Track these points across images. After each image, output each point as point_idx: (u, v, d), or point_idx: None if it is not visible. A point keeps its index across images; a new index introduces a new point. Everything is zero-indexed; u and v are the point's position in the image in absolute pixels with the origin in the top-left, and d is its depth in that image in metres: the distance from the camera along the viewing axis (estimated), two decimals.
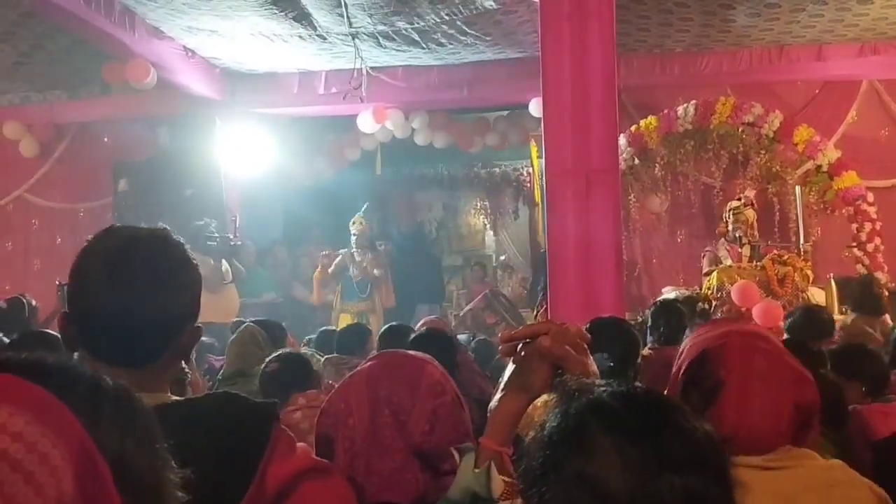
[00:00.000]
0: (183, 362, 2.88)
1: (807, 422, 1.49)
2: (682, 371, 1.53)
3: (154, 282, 1.26)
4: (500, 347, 1.33)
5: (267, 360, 2.96)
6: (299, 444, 1.29)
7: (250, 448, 1.20)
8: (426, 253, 10.69)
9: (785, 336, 4.10)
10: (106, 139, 9.35)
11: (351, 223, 8.83)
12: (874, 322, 5.14)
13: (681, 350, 1.61)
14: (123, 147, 9.15)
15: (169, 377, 1.35)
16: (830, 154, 7.84)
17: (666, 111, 8.03)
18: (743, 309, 6.78)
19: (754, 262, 7.30)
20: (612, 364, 1.73)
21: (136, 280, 1.25)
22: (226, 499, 1.15)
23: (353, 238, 8.73)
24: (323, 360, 4.44)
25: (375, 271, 8.66)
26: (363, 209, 9.01)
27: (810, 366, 2.67)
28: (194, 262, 1.35)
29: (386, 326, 4.26)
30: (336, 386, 1.59)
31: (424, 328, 4.39)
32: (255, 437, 1.21)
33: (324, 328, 5.71)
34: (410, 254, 10.09)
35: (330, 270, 8.68)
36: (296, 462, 1.25)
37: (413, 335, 3.49)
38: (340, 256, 8.72)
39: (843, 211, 7.91)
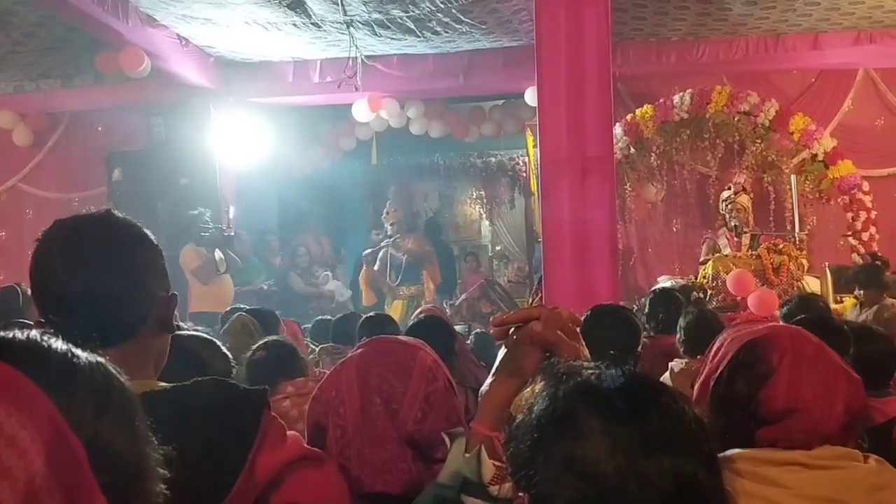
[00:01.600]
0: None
1: (852, 423, 1.45)
2: (722, 365, 1.47)
3: (103, 259, 1.28)
4: (492, 331, 1.33)
5: (253, 347, 2.94)
6: (290, 433, 1.29)
7: (240, 436, 1.19)
8: (441, 243, 10.65)
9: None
10: (100, 128, 9.31)
11: (384, 215, 8.89)
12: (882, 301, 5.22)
13: (712, 351, 1.55)
14: (117, 136, 9.11)
15: (155, 354, 1.35)
16: (826, 143, 7.84)
17: (662, 100, 8.01)
18: (738, 298, 6.79)
19: (751, 251, 7.31)
20: (612, 352, 1.72)
21: (85, 259, 1.28)
22: (215, 487, 1.14)
23: (390, 228, 8.77)
24: (318, 349, 4.45)
25: (426, 247, 8.71)
26: (391, 194, 9.03)
27: (836, 347, 2.68)
28: (147, 236, 1.37)
29: (365, 317, 4.24)
30: (327, 373, 1.58)
31: (423, 315, 4.38)
32: (246, 425, 1.20)
33: (319, 317, 5.70)
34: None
35: (376, 267, 8.71)
36: (287, 451, 1.24)
37: (411, 323, 3.46)
38: (383, 250, 8.74)
39: (839, 200, 7.92)
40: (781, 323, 1.61)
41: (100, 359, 0.72)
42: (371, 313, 4.61)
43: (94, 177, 9.03)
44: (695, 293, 6.83)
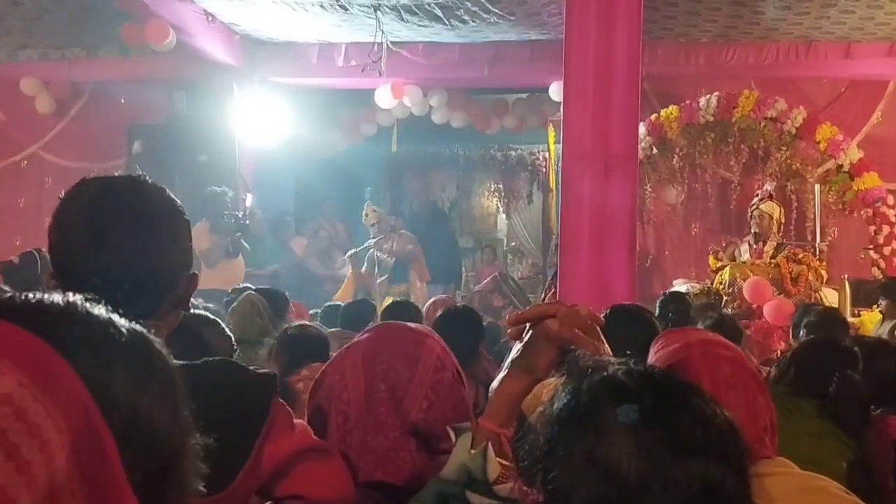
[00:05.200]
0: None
1: (773, 431, 1.42)
2: None
3: (138, 231, 1.18)
4: (507, 330, 1.28)
5: (287, 326, 2.95)
6: (298, 422, 1.25)
7: (248, 421, 1.15)
8: (445, 232, 10.59)
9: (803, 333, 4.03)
10: (123, 100, 9.31)
11: (364, 216, 8.78)
12: None
13: None
14: (139, 109, 9.11)
15: (167, 330, 1.29)
16: (852, 154, 7.72)
17: (688, 101, 7.91)
18: (754, 305, 6.71)
19: (770, 259, 7.22)
20: (629, 353, 1.65)
21: (116, 232, 1.17)
22: (220, 472, 1.11)
23: (371, 229, 8.69)
24: (327, 333, 4.41)
25: (409, 246, 8.62)
26: (367, 195, 8.93)
27: (843, 365, 2.62)
28: (179, 208, 1.26)
29: (390, 302, 4.21)
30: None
31: (462, 305, 4.30)
32: (254, 411, 1.16)
33: (329, 302, 5.67)
34: (428, 232, 10.02)
35: (363, 269, 8.65)
36: (294, 440, 1.20)
37: (442, 312, 3.40)
38: (369, 252, 8.67)
39: (862, 212, 7.81)
40: (695, 337, 1.53)
41: (140, 329, 0.64)
42: (398, 298, 4.58)
43: (114, 148, 9.03)
44: (705, 299, 6.75)
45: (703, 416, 0.79)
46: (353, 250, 8.81)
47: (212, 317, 2.32)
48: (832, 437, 2.50)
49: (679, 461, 0.75)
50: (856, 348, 2.86)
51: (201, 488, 0.66)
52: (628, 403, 0.78)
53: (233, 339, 2.22)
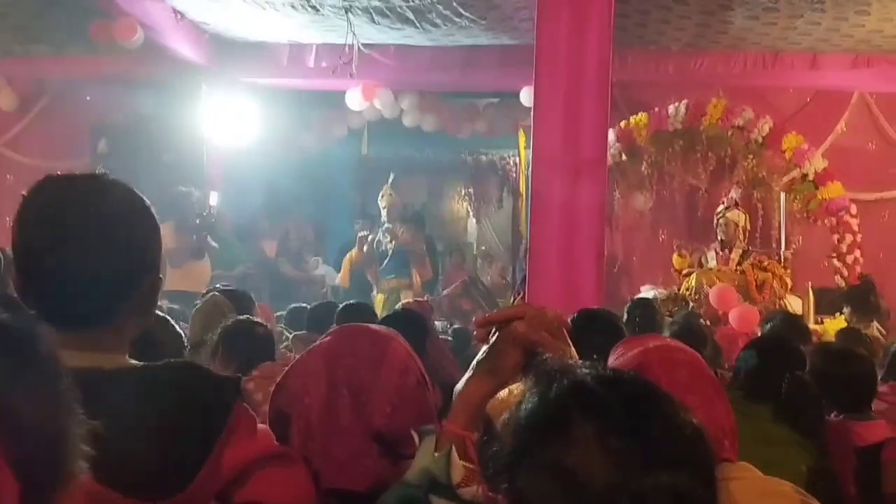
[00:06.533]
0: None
1: (734, 434, 1.42)
2: None
3: (100, 233, 1.15)
4: (474, 332, 1.26)
5: (227, 324, 2.89)
6: (261, 426, 1.22)
7: (209, 425, 1.12)
8: (427, 238, 10.56)
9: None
10: (88, 98, 9.16)
11: (379, 197, 8.75)
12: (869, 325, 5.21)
13: None
14: (105, 107, 8.97)
15: (132, 334, 1.24)
16: (817, 163, 7.83)
17: (657, 109, 7.97)
18: (720, 312, 6.77)
19: (736, 266, 7.30)
20: (596, 357, 1.65)
21: (80, 233, 1.13)
22: (178, 473, 1.08)
23: (385, 212, 8.66)
24: (292, 336, 4.37)
25: (415, 240, 8.59)
26: (390, 181, 8.90)
27: (791, 366, 2.65)
28: (147, 205, 1.22)
29: (343, 304, 4.17)
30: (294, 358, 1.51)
31: (400, 307, 4.31)
32: (215, 414, 1.13)
33: (294, 305, 5.61)
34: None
35: (365, 248, 8.59)
36: (256, 446, 1.17)
37: (385, 315, 3.39)
38: (380, 234, 8.63)
39: (826, 221, 7.91)
40: (654, 343, 1.53)
41: (31, 322, 0.64)
42: (351, 301, 4.55)
43: (78, 147, 8.89)
44: (672, 305, 6.82)
45: (672, 425, 0.77)
46: (365, 231, 8.76)
47: (161, 314, 2.28)
48: (789, 442, 2.52)
49: (649, 472, 0.73)
50: (802, 348, 2.90)
51: (87, 472, 0.68)
52: (597, 411, 0.76)
53: (183, 337, 2.18)
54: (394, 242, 8.52)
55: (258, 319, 3.26)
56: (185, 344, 2.22)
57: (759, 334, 4.81)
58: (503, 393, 1.25)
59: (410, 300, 5.95)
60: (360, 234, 8.76)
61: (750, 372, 2.68)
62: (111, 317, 1.19)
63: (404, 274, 8.59)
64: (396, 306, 5.25)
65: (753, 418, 2.46)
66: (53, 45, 8.47)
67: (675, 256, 7.63)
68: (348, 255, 8.74)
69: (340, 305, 4.19)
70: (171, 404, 1.11)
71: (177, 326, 2.16)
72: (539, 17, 4.92)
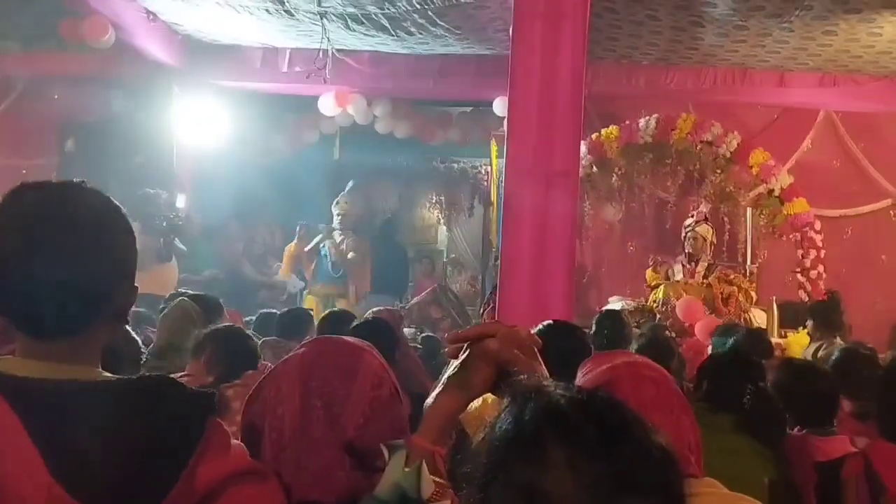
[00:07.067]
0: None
1: (699, 450, 1.45)
2: None
3: (74, 241, 1.14)
4: (446, 349, 1.27)
5: (216, 329, 2.90)
6: (234, 442, 1.21)
7: (182, 440, 1.11)
8: (394, 243, 10.56)
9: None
10: (56, 97, 9.03)
11: (334, 203, 8.72)
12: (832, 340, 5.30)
13: None
14: (74, 106, 8.85)
15: (103, 343, 1.23)
16: (783, 179, 7.95)
17: (628, 122, 8.05)
18: (686, 324, 6.85)
19: (703, 280, 7.39)
20: (564, 370, 1.66)
21: (54, 241, 1.13)
22: (151, 490, 1.07)
23: (338, 218, 8.62)
24: (261, 342, 4.34)
25: (350, 255, 8.53)
26: (348, 188, 8.88)
27: (752, 379, 2.69)
28: (123, 213, 1.21)
29: (326, 312, 4.17)
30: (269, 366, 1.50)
31: (370, 316, 4.31)
32: (189, 429, 1.12)
33: (264, 310, 5.59)
34: (376, 244, 9.97)
35: (307, 248, 8.54)
36: (230, 463, 1.16)
37: (354, 323, 3.41)
38: (321, 234, 8.57)
39: (791, 236, 8.04)
40: (622, 359, 1.56)
41: None
42: (335, 309, 4.54)
43: (45, 145, 8.75)
44: (640, 316, 6.89)
45: (644, 449, 0.78)
46: (304, 223, 8.73)
47: None
48: (751, 453, 2.56)
49: (620, 496, 0.75)
50: (763, 361, 2.95)
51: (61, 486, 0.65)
52: (570, 434, 0.77)
53: (139, 342, 2.17)
54: (335, 248, 8.51)
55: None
56: (142, 349, 2.20)
57: (711, 347, 4.91)
58: (477, 402, 1.26)
59: (379, 309, 5.91)
60: (300, 224, 8.74)
61: (711, 384, 2.73)
62: (85, 326, 1.18)
63: (339, 283, 8.56)
64: (367, 314, 5.23)
65: (713, 429, 2.50)
66: (22, 42, 8.34)
67: (648, 272, 7.70)
68: (288, 248, 8.71)
69: (324, 313, 4.20)
70: (145, 419, 1.11)
71: (132, 332, 2.14)
72: (514, 29, 4.95)
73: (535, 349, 1.20)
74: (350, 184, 8.98)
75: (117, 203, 1.22)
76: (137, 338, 2.11)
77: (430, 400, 1.21)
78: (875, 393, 2.76)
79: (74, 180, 1.21)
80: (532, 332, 1.26)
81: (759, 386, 2.70)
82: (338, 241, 8.55)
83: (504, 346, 1.16)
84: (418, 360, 3.92)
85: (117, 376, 1.19)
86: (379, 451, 1.26)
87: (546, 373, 1.17)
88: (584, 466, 0.75)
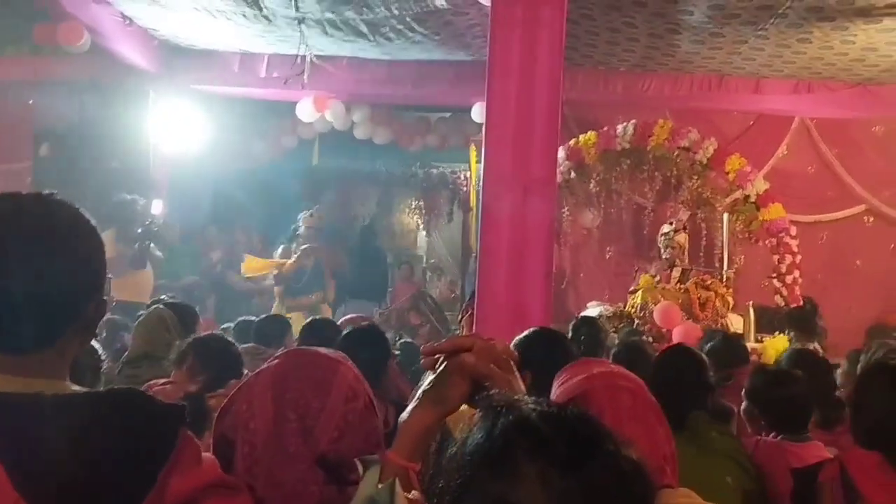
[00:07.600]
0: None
1: (675, 460, 1.45)
2: None
3: (44, 255, 1.13)
4: (422, 361, 1.27)
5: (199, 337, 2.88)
6: (205, 455, 1.20)
7: (153, 454, 1.10)
8: (373, 249, 10.53)
9: None
10: (31, 101, 8.91)
11: (308, 214, 8.72)
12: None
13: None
14: (48, 111, 8.72)
15: (72, 356, 1.22)
16: (759, 185, 8.04)
17: (605, 128, 8.11)
18: (664, 329, 6.89)
19: (680, 284, 7.43)
20: (544, 377, 1.66)
21: (20, 255, 1.11)
22: (122, 503, 1.06)
23: (305, 230, 8.62)
24: (240, 349, 4.31)
25: (333, 260, 8.56)
26: (313, 210, 8.90)
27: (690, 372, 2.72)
28: (93, 226, 1.21)
29: (310, 319, 4.14)
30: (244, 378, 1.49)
31: (366, 324, 4.26)
32: (159, 443, 1.11)
33: (242, 318, 5.55)
34: (355, 249, 9.94)
35: (276, 255, 8.56)
36: (200, 476, 1.15)
37: (346, 331, 3.36)
38: (281, 247, 8.58)
39: (767, 242, 8.12)
40: (598, 370, 1.56)
41: None
42: (316, 317, 4.51)
43: (19, 150, 8.62)
44: (618, 322, 6.92)
45: (615, 462, 0.78)
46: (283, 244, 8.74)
47: None
48: (725, 454, 2.58)
49: None
50: (704, 355, 2.99)
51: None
52: (541, 449, 0.77)
53: (99, 351, 2.15)
54: (305, 260, 8.52)
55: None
56: (102, 358, 2.18)
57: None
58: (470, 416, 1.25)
59: (354, 316, 5.88)
60: (283, 244, 8.76)
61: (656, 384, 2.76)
62: (54, 340, 1.17)
63: (313, 293, 8.57)
64: (340, 322, 5.20)
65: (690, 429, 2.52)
66: None
67: (644, 276, 7.73)
68: (278, 264, 8.66)
69: (307, 321, 4.16)
70: (115, 433, 1.09)
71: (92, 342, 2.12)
72: (492, 35, 4.95)
73: (512, 363, 1.20)
74: (316, 207, 9.01)
75: (87, 216, 1.21)
76: (97, 346, 2.08)
77: (404, 415, 1.21)
78: (850, 399, 2.78)
79: (44, 192, 1.20)
80: (511, 344, 1.26)
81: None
82: (307, 251, 8.55)
83: (480, 360, 1.16)
84: (397, 367, 3.90)
85: (86, 389, 1.17)
86: (353, 465, 1.25)
87: (522, 387, 1.17)
88: (555, 481, 0.75)
